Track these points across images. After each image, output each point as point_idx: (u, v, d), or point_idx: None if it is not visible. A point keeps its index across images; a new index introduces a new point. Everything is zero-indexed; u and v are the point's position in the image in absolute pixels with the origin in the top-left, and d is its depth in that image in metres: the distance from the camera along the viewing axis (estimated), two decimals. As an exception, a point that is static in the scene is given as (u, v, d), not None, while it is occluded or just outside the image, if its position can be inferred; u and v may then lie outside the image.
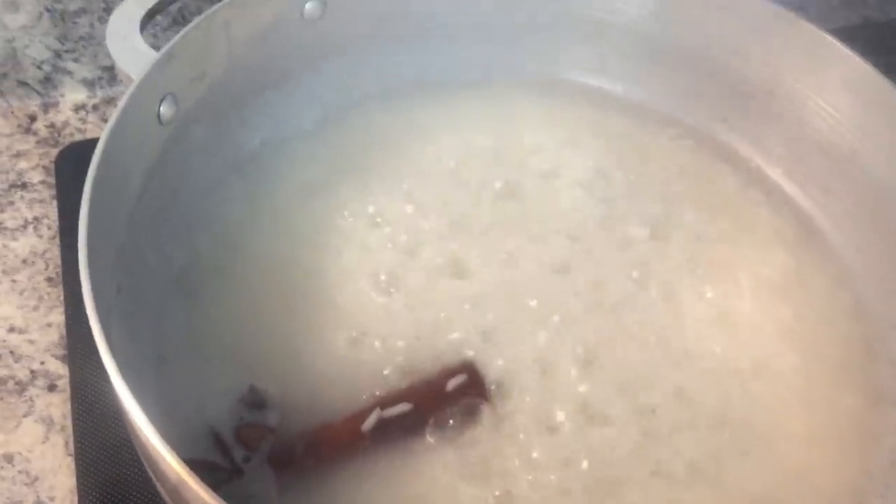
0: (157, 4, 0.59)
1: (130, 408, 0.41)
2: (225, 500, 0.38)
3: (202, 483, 0.38)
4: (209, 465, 0.48)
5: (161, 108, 0.55)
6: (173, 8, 0.74)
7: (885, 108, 0.58)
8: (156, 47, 0.56)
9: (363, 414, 0.51)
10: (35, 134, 0.74)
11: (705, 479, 0.52)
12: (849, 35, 0.88)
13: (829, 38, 0.60)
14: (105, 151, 0.48)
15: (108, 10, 0.72)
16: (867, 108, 0.59)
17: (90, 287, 0.43)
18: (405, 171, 0.65)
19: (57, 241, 0.67)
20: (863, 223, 0.62)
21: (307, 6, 0.62)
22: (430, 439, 0.51)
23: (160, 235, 0.57)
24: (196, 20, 0.56)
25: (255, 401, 0.51)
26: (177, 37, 0.54)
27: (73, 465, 0.55)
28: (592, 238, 0.62)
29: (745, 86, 0.66)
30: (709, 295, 0.60)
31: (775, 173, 0.66)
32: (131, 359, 0.50)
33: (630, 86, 0.70)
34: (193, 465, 0.39)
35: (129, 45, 0.56)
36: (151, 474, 0.46)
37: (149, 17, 0.58)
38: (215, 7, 0.57)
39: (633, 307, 0.58)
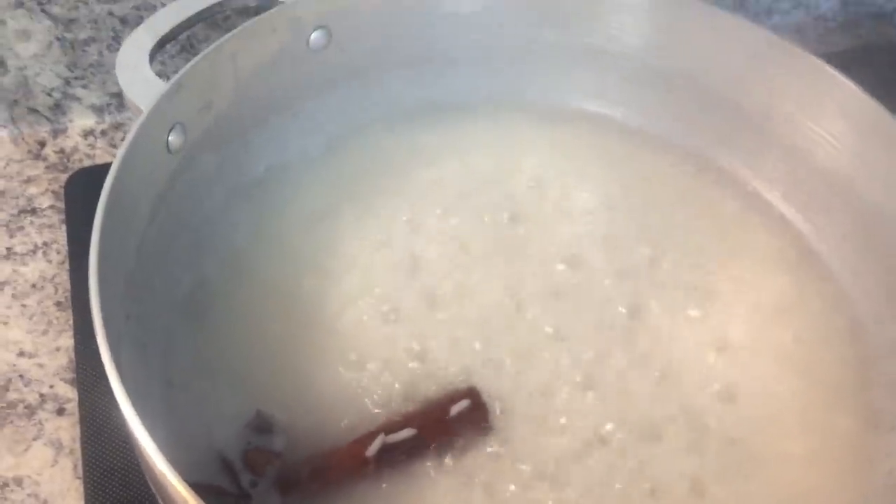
0: (167, 35, 0.60)
1: (138, 433, 0.41)
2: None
3: (207, 506, 0.39)
4: (216, 490, 0.49)
5: (170, 138, 0.56)
6: (182, 37, 0.75)
7: (881, 135, 0.59)
8: (163, 75, 0.57)
9: (367, 439, 0.52)
10: (45, 159, 0.75)
11: (705, 501, 0.52)
12: (846, 59, 0.89)
13: (826, 67, 0.61)
14: (115, 180, 0.49)
15: (117, 38, 0.74)
16: (864, 135, 0.60)
17: (101, 315, 0.44)
18: (408, 195, 0.66)
19: (66, 265, 0.68)
20: (859, 247, 0.62)
21: (312, 36, 0.64)
22: (433, 464, 0.52)
23: (168, 262, 0.58)
24: (204, 52, 0.57)
25: (262, 426, 0.52)
26: (185, 68, 0.56)
27: (81, 489, 0.56)
28: (593, 263, 0.63)
29: (743, 111, 0.66)
30: (708, 318, 0.61)
31: (774, 197, 0.67)
32: (140, 384, 0.51)
33: (630, 111, 0.71)
34: (200, 489, 0.40)
35: (138, 75, 0.57)
36: (159, 499, 0.46)
37: (159, 47, 0.59)
38: (223, 39, 0.58)
39: (633, 331, 0.59)
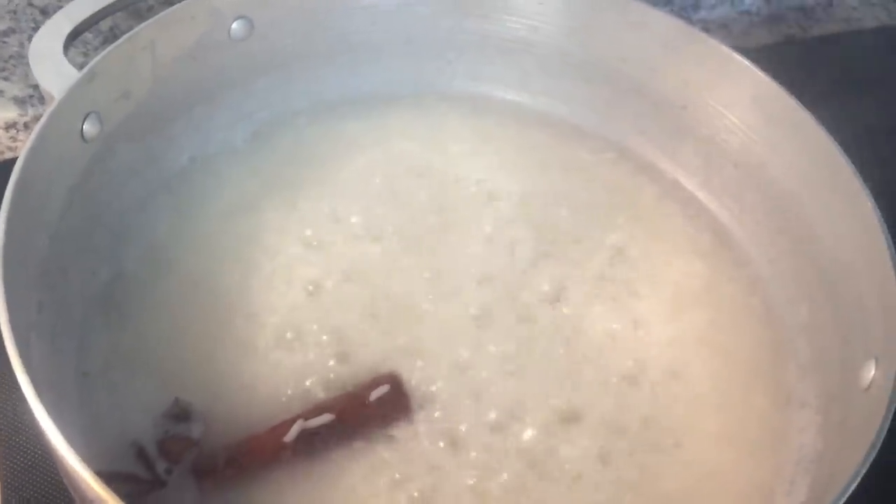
0: (81, 24, 0.59)
1: (43, 422, 0.41)
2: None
3: (118, 497, 0.39)
4: (129, 477, 0.49)
5: (84, 126, 0.55)
6: (105, 27, 0.75)
7: (788, 123, 0.60)
8: (84, 66, 0.57)
9: (286, 425, 0.52)
10: (-36, 152, 0.74)
11: (620, 480, 0.53)
12: (770, 53, 0.92)
13: (736, 56, 0.62)
14: (24, 168, 0.49)
15: (37, 29, 0.72)
16: (773, 122, 0.62)
17: (5, 303, 0.44)
18: (333, 185, 0.66)
19: (-15, 259, 0.67)
20: (773, 232, 0.64)
21: (233, 26, 0.64)
22: (351, 449, 0.52)
23: (85, 252, 0.57)
24: (120, 39, 0.57)
25: (180, 414, 0.52)
26: (99, 56, 0.55)
27: (-3, 484, 0.56)
28: (515, 249, 0.64)
29: (660, 101, 0.68)
30: (626, 302, 0.62)
31: (691, 185, 0.69)
32: (52, 375, 0.51)
33: (552, 101, 0.72)
34: (112, 477, 0.40)
35: (52, 65, 0.56)
36: (71, 490, 0.46)
37: (74, 36, 0.59)
38: (139, 27, 0.58)
39: (552, 316, 0.60)
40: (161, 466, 0.50)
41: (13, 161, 0.73)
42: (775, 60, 0.65)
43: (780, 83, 0.61)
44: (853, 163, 0.57)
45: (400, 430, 0.54)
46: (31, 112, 0.77)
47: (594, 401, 0.56)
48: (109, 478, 0.40)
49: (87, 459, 0.40)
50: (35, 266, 0.51)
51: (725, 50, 0.63)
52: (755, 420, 0.58)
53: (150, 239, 0.61)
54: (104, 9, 0.60)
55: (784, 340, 0.61)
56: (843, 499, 0.43)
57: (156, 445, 0.51)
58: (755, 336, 0.62)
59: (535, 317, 0.60)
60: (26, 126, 0.77)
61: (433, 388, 0.56)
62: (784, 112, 0.61)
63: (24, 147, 0.50)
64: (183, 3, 0.60)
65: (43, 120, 0.51)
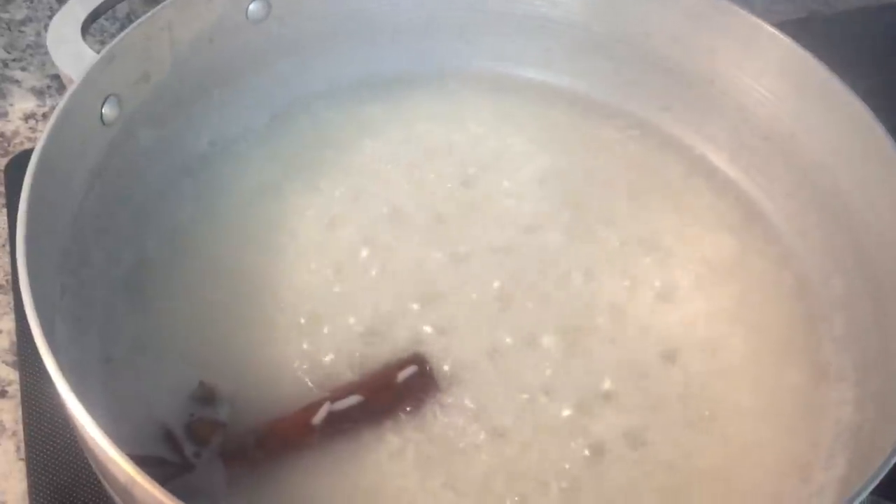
0: (98, 7, 0.58)
1: (72, 406, 0.41)
2: (174, 494, 0.38)
3: (150, 478, 0.38)
4: (157, 461, 0.48)
5: (104, 109, 0.55)
6: (122, 13, 0.74)
7: (818, 90, 0.59)
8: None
9: (314, 407, 0.52)
10: (-16, 144, 0.74)
11: (655, 457, 0.52)
12: (794, 28, 0.90)
13: (764, 25, 0.61)
14: (45, 151, 0.48)
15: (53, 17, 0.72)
16: (802, 92, 0.61)
17: (29, 288, 0.43)
18: (354, 167, 0.65)
19: (7, 248, 0.67)
20: (803, 205, 0.63)
21: (251, 7, 0.63)
22: (379, 431, 0.52)
23: (107, 236, 0.57)
24: (137, 21, 0.56)
25: (205, 396, 0.52)
26: (117, 38, 0.55)
27: (24, 470, 0.55)
28: (543, 228, 0.63)
29: (686, 75, 0.67)
30: (657, 279, 0.61)
31: (719, 159, 0.68)
32: (77, 359, 0.50)
33: (575, 78, 0.71)
34: (140, 460, 0.39)
35: (71, 49, 0.56)
36: (100, 475, 0.46)
37: (91, 20, 0.58)
38: (156, 8, 0.57)
39: (580, 294, 0.59)
40: (189, 449, 0.49)
41: (33, 151, 0.73)
42: (799, 35, 0.64)
43: (808, 53, 0.60)
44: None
45: (427, 411, 0.53)
46: (49, 102, 0.77)
47: (626, 378, 0.55)
48: (138, 461, 0.40)
49: (116, 443, 0.39)
50: (57, 250, 0.51)
51: (752, 18, 0.62)
52: (790, 395, 0.56)
53: (172, 222, 0.60)
54: (121, -8, 0.60)
55: (818, 314, 0.60)
56: (886, 470, 0.42)
57: (183, 428, 0.50)
58: (788, 310, 0.60)
59: (562, 296, 0.59)
60: (45, 116, 0.76)
61: (460, 369, 0.55)
62: (814, 80, 0.59)
63: (45, 129, 0.49)
64: (200, -16, 0.59)
65: (63, 102, 0.51)
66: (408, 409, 0.53)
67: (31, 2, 0.71)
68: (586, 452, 0.52)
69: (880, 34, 0.91)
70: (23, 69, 0.74)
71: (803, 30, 0.92)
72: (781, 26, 0.62)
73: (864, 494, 0.41)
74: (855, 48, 0.84)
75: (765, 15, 0.93)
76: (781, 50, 0.61)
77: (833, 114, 0.59)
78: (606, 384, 0.55)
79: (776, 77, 0.62)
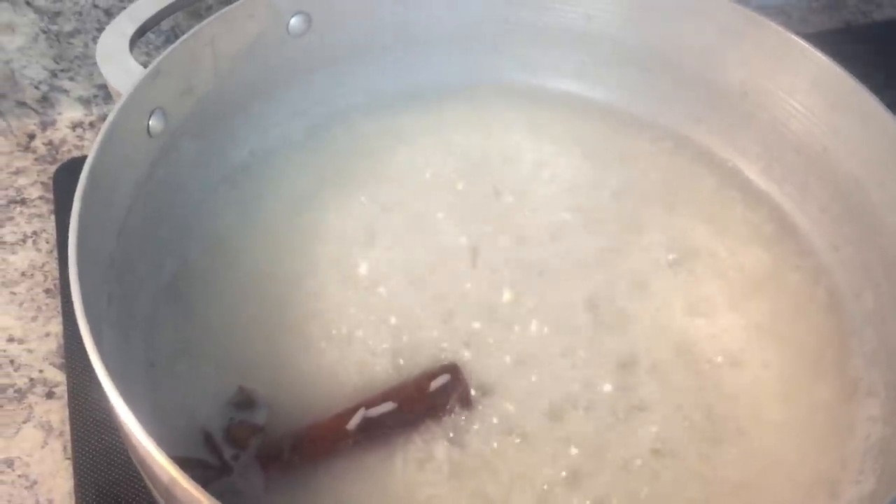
0: (146, 23, 0.61)
1: (120, 409, 0.42)
2: (213, 496, 0.39)
3: (191, 480, 0.40)
4: (198, 463, 0.50)
5: (150, 122, 0.57)
6: (166, 27, 0.77)
7: (852, 106, 0.59)
8: (148, 65, 0.58)
9: (349, 413, 0.53)
10: (34, 151, 0.76)
11: (685, 469, 0.53)
12: (829, 39, 0.90)
13: (797, 40, 0.61)
14: (95, 163, 0.50)
15: (102, 30, 0.73)
16: (836, 106, 0.61)
17: (80, 296, 0.45)
18: (389, 178, 0.67)
19: (55, 254, 0.69)
20: (837, 220, 0.63)
21: (292, 21, 0.64)
22: (411, 438, 0.53)
23: (151, 245, 0.59)
24: (182, 37, 0.58)
25: (244, 401, 0.53)
26: (164, 53, 0.56)
27: (70, 469, 0.57)
28: (575, 240, 0.64)
29: (719, 88, 0.67)
30: (688, 292, 0.61)
31: (752, 172, 0.68)
32: (122, 364, 0.52)
33: (609, 91, 0.72)
34: (182, 462, 0.41)
35: (119, 63, 0.58)
36: (144, 475, 0.47)
37: (139, 35, 0.60)
38: (201, 24, 0.59)
39: (614, 305, 0.60)
40: (228, 453, 0.51)
41: (80, 159, 0.76)
42: (835, 46, 0.64)
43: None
44: (917, 149, 0.56)
45: (459, 420, 0.54)
46: (95, 111, 0.80)
47: (656, 389, 0.56)
48: (179, 463, 0.41)
49: (159, 445, 0.41)
50: (104, 259, 0.53)
51: (785, 33, 0.62)
52: (821, 410, 0.57)
53: (213, 231, 0.62)
54: (165, 8, 0.61)
55: (849, 329, 0.60)
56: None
57: (222, 432, 0.52)
58: (820, 325, 0.61)
59: (595, 306, 0.60)
60: (91, 125, 0.79)
61: (492, 379, 0.56)
62: (847, 95, 0.60)
63: (92, 144, 0.51)
64: (243, 0, 0.61)
65: (111, 116, 0.53)
66: (440, 417, 0.54)
67: (80, 14, 0.73)
68: (614, 463, 0.52)
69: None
70: (71, 79, 0.77)
71: (840, 40, 0.93)
72: (818, 37, 0.62)
73: (891, 511, 0.42)
74: (891, 58, 0.84)
75: (801, 25, 0.94)
76: (814, 65, 0.61)
77: (865, 129, 0.59)
78: (636, 396, 0.55)
79: (809, 92, 0.62)
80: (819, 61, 0.61)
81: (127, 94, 0.54)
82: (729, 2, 0.64)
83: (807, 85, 0.62)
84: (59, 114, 0.79)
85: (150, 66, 0.56)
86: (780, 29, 0.62)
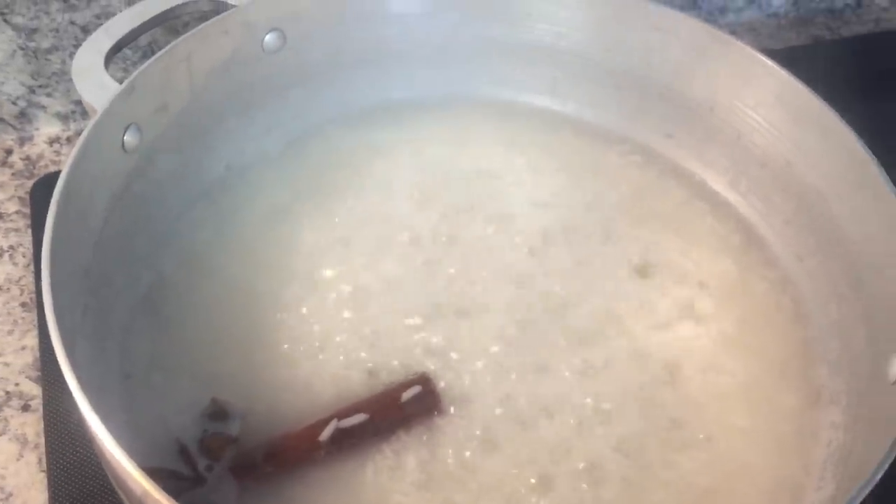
0: (122, 39, 0.61)
1: (91, 421, 0.43)
2: (186, 506, 0.40)
3: (164, 492, 0.40)
4: (170, 474, 0.50)
5: (125, 137, 0.57)
6: (143, 43, 0.77)
7: (813, 120, 0.61)
8: (123, 81, 0.59)
9: (321, 424, 0.54)
10: (11, 167, 0.77)
11: (650, 476, 0.54)
12: (797, 55, 0.92)
13: (761, 57, 0.63)
14: (69, 177, 0.51)
15: (79, 46, 0.75)
16: (798, 121, 0.62)
17: (53, 309, 0.46)
18: (365, 191, 0.67)
19: (31, 268, 0.69)
20: (801, 231, 0.64)
21: (266, 38, 0.65)
22: (383, 448, 0.54)
23: (127, 258, 0.59)
24: (157, 54, 0.59)
25: (218, 412, 0.54)
26: (138, 70, 0.57)
27: (45, 482, 0.58)
28: (546, 252, 0.65)
29: (687, 103, 0.69)
30: (656, 302, 0.62)
31: (719, 185, 0.69)
32: (97, 376, 0.53)
33: (580, 106, 0.73)
34: (154, 473, 0.42)
35: (94, 79, 0.59)
36: (117, 487, 0.48)
37: (115, 51, 0.61)
38: (175, 42, 0.60)
39: (582, 316, 0.61)
40: (202, 464, 0.51)
41: (57, 174, 0.75)
42: (804, 62, 0.65)
43: (807, 84, 0.62)
44: (880, 163, 0.57)
45: (430, 430, 0.55)
46: (73, 127, 0.80)
47: (624, 398, 0.57)
48: (152, 474, 0.42)
49: (132, 457, 0.41)
50: (79, 271, 0.54)
51: (749, 51, 0.63)
52: (785, 417, 0.58)
53: (189, 245, 0.63)
54: (141, 25, 0.62)
55: (814, 338, 0.61)
56: (869, 488, 0.43)
57: (196, 443, 0.53)
58: (785, 334, 0.62)
59: (564, 317, 0.61)
60: (69, 140, 0.79)
61: (464, 390, 0.57)
62: (809, 111, 0.61)
63: (70, 156, 0.52)
64: (217, 17, 0.62)
65: (86, 131, 0.53)
66: (412, 427, 0.55)
67: (57, 31, 0.74)
68: (582, 469, 0.53)
69: (886, 59, 0.92)
70: (48, 95, 0.78)
71: (807, 56, 0.94)
72: (787, 52, 0.63)
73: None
74: (858, 74, 0.86)
75: (770, 41, 0.95)
76: (777, 81, 0.63)
77: (827, 144, 0.60)
78: (606, 404, 0.56)
79: (772, 107, 0.64)
80: (782, 77, 0.62)
81: (102, 110, 0.55)
82: (695, 20, 0.65)
83: (770, 100, 0.64)
84: (37, 129, 0.79)
85: (125, 82, 0.57)
86: (745, 46, 0.64)
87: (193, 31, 0.61)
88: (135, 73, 0.57)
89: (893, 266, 0.55)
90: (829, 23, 0.98)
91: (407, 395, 0.56)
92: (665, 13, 0.66)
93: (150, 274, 0.61)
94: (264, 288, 0.61)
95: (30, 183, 0.75)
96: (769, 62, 0.63)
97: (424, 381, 0.57)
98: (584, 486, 0.53)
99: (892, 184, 0.56)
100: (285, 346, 0.58)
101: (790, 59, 0.64)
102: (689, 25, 0.66)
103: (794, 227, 0.65)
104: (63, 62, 0.76)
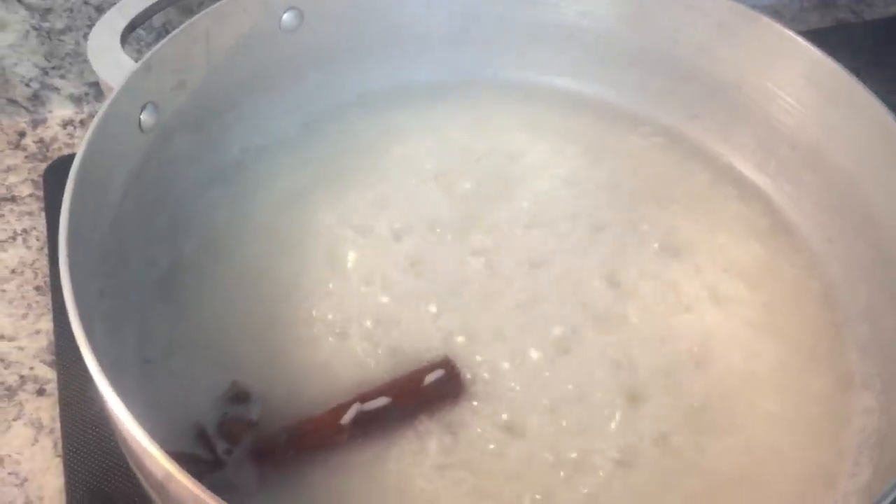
0: (137, 17, 0.60)
1: (112, 403, 0.42)
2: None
3: (188, 474, 0.39)
4: (190, 458, 0.49)
5: (142, 116, 0.56)
6: (157, 23, 0.76)
7: (845, 99, 0.59)
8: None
9: (343, 407, 0.52)
10: (24, 149, 0.76)
11: (681, 462, 0.53)
12: (821, 37, 0.90)
13: (791, 34, 0.62)
14: (85, 156, 0.50)
15: (93, 27, 0.74)
16: (829, 100, 0.61)
17: (71, 290, 0.44)
18: (383, 174, 0.66)
19: (45, 251, 0.68)
20: (831, 213, 0.63)
21: (284, 17, 0.64)
22: (407, 432, 0.53)
23: (144, 240, 0.58)
24: (175, 31, 0.58)
25: (238, 395, 0.53)
26: (155, 47, 0.56)
27: (61, 466, 0.57)
28: (568, 235, 0.64)
29: (713, 84, 0.67)
30: (683, 286, 0.61)
31: (746, 168, 0.68)
32: (115, 360, 0.52)
33: (603, 87, 0.72)
34: (174, 457, 0.40)
35: (110, 57, 0.58)
36: (136, 470, 0.47)
37: (130, 30, 0.60)
38: (193, 19, 0.59)
39: (606, 300, 0.60)
40: (221, 447, 0.50)
41: (71, 157, 0.74)
42: (827, 44, 0.64)
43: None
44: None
45: (453, 414, 0.54)
46: (86, 109, 0.79)
47: (652, 383, 0.56)
48: (172, 458, 0.41)
49: (152, 438, 0.40)
50: (96, 253, 0.52)
51: (779, 28, 0.62)
52: (816, 402, 0.57)
53: (206, 227, 0.62)
54: (155, 3, 0.61)
55: (844, 322, 0.60)
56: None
57: (216, 427, 0.51)
58: (815, 318, 0.61)
59: (589, 302, 0.60)
60: (82, 123, 0.78)
61: (487, 373, 0.56)
62: (841, 90, 0.60)
63: (86, 134, 0.51)
64: (235, -6, 0.61)
65: (102, 109, 0.52)
66: (434, 411, 0.54)
67: (71, 12, 0.73)
68: (614, 456, 0.52)
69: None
70: (62, 77, 0.76)
71: (832, 39, 0.93)
72: (810, 35, 0.62)
73: (887, 502, 0.42)
74: (883, 57, 0.84)
75: (793, 24, 0.94)
76: (808, 59, 0.61)
77: (858, 123, 0.59)
78: (635, 389, 0.55)
79: (803, 86, 0.63)
80: (813, 56, 0.61)
81: (118, 88, 0.54)
82: (720, -4, 0.64)
83: (800, 80, 0.62)
84: (50, 112, 0.78)
85: (142, 60, 0.56)
86: (774, 24, 0.62)
87: (211, 7, 0.59)
88: (152, 50, 0.56)
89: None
90: (853, 5, 0.97)
91: (430, 378, 0.55)
92: (690, -10, 0.65)
93: (168, 256, 0.60)
94: (283, 270, 0.60)
95: (43, 166, 0.74)
96: (800, 40, 0.61)
97: (447, 364, 0.56)
98: (612, 471, 0.52)
99: (927, 164, 0.54)
100: (305, 328, 0.57)
101: (814, 41, 0.63)
102: (716, 3, 0.64)
103: (823, 210, 0.64)
104: (77, 43, 0.75)
